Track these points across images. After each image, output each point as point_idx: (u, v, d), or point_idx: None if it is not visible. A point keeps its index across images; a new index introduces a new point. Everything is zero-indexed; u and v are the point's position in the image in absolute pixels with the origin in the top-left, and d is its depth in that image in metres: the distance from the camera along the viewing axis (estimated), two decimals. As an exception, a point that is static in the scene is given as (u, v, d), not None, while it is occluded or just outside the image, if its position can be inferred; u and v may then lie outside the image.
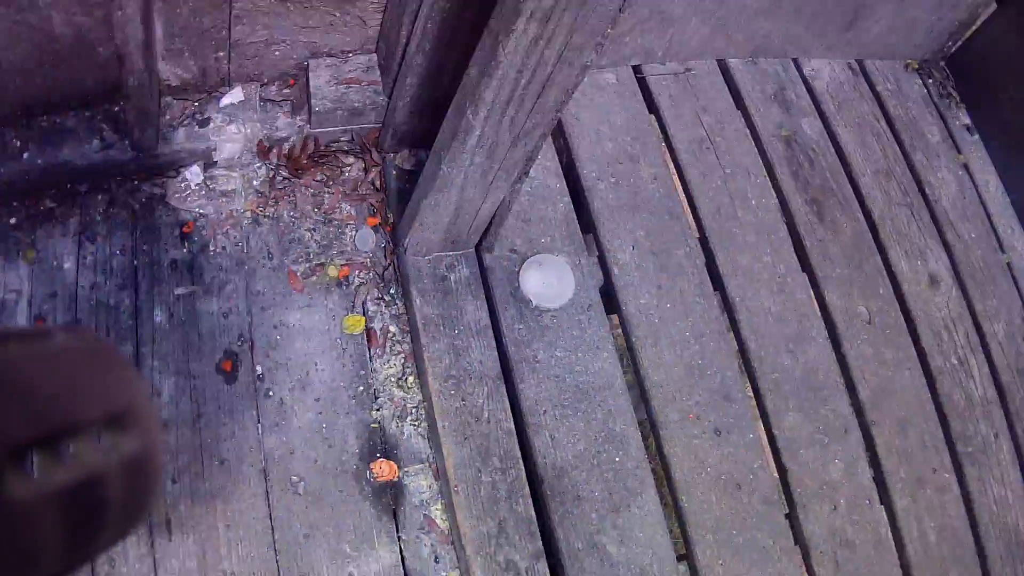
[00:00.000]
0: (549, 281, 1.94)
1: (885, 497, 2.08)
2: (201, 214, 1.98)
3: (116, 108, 1.96)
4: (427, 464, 1.86)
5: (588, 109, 2.14)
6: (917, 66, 2.61)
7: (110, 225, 1.94)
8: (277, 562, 1.71)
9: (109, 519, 0.41)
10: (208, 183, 2.00)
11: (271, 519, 1.73)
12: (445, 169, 1.59)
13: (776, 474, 2.02)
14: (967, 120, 2.61)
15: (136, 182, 1.99)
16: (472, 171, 1.61)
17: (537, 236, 1.98)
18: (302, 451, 1.81)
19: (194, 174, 1.99)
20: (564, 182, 2.03)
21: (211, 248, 1.97)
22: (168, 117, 1.99)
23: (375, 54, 2.00)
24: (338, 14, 1.90)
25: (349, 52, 2.00)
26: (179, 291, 1.90)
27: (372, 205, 2.00)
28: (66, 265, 1.88)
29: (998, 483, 2.25)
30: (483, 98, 1.41)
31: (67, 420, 0.39)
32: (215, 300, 1.91)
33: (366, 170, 2.01)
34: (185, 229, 1.96)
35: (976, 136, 2.60)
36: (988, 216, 2.49)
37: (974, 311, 2.35)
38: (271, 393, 1.86)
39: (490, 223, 1.85)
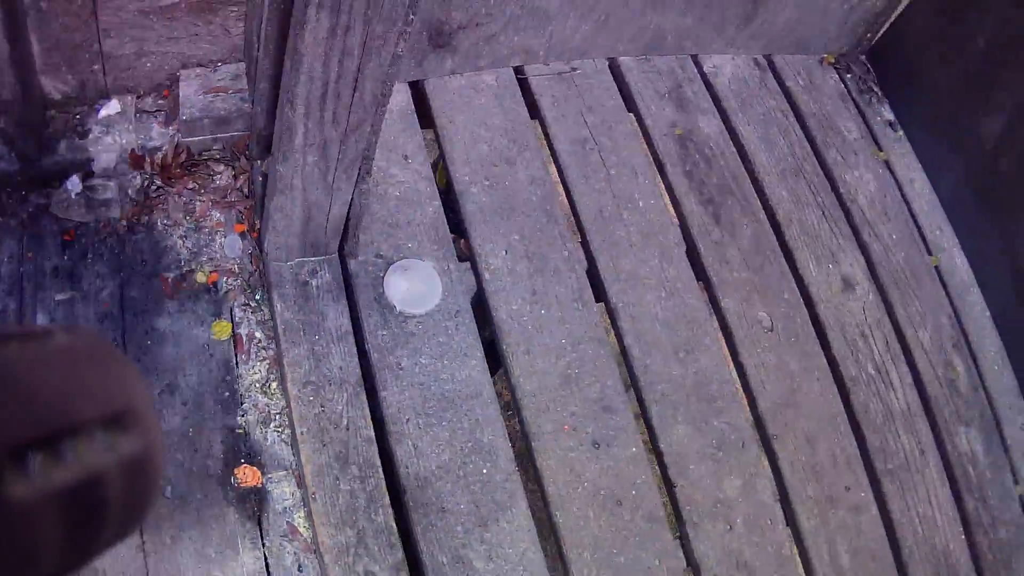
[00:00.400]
0: (414, 287, 2.12)
1: (790, 517, 2.22)
2: (81, 223, 2.20)
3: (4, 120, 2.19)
4: (290, 471, 2.04)
5: (464, 111, 2.33)
6: (834, 60, 2.76)
7: (1, 233, 2.18)
8: (146, 563, 1.92)
9: (109, 519, 0.44)
10: (88, 193, 2.22)
11: (140, 520, 1.93)
12: (281, 170, 1.79)
13: (662, 490, 2.14)
14: (890, 116, 2.76)
15: (24, 192, 2.23)
16: (308, 171, 1.80)
17: (404, 241, 2.16)
18: (169, 455, 2.03)
19: (74, 184, 2.22)
20: (434, 185, 2.22)
21: (89, 256, 2.19)
22: (51, 129, 2.23)
23: (243, 63, 2.20)
24: (201, 24, 2.12)
25: (218, 62, 2.21)
26: (59, 297, 2.13)
27: (240, 212, 2.20)
28: None
29: (923, 502, 2.35)
30: (297, 94, 1.61)
31: (67, 420, 0.41)
32: (92, 305, 2.14)
33: (235, 177, 2.21)
34: (67, 237, 2.20)
35: (900, 132, 2.74)
36: (913, 216, 2.63)
37: (895, 317, 2.48)
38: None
39: (347, 227, 2.02)
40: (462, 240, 2.29)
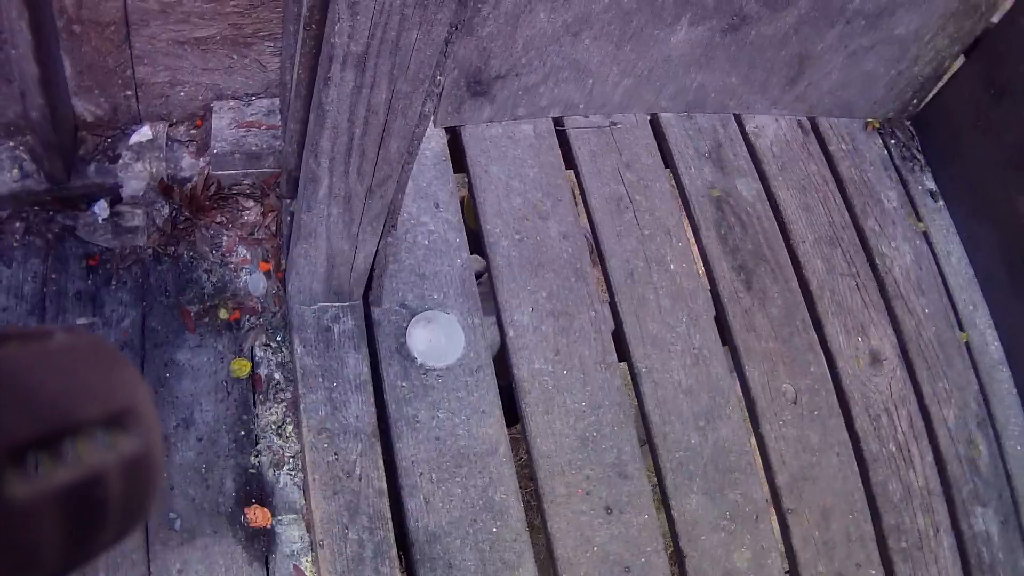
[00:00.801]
0: (437, 339, 2.09)
1: (799, 591, 2.18)
2: (107, 248, 2.20)
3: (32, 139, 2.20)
4: (300, 515, 2.03)
5: (500, 162, 2.30)
6: (879, 125, 2.71)
7: (26, 252, 2.20)
8: (152, 595, 1.91)
9: (109, 519, 0.44)
10: (114, 218, 2.21)
11: (147, 551, 1.96)
12: (305, 218, 1.78)
13: (672, 559, 2.12)
14: (932, 184, 2.71)
15: (51, 212, 2.23)
16: (333, 222, 1.79)
17: (430, 292, 2.14)
18: (181, 488, 2.02)
19: (101, 208, 2.21)
20: (464, 236, 2.19)
21: (113, 282, 2.19)
22: (82, 151, 2.22)
23: (278, 98, 2.18)
24: (236, 57, 2.11)
25: (252, 95, 2.20)
26: (81, 321, 2.12)
27: (267, 250, 2.18)
28: None
29: (934, 583, 2.31)
30: (321, 147, 1.60)
31: (67, 420, 0.41)
32: (112, 332, 2.14)
33: (264, 215, 2.20)
34: (91, 261, 2.19)
35: (941, 203, 2.69)
36: (947, 290, 2.58)
37: (921, 394, 2.44)
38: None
39: (371, 276, 2.00)
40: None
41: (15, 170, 2.19)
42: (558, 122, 2.43)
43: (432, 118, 2.29)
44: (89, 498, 0.42)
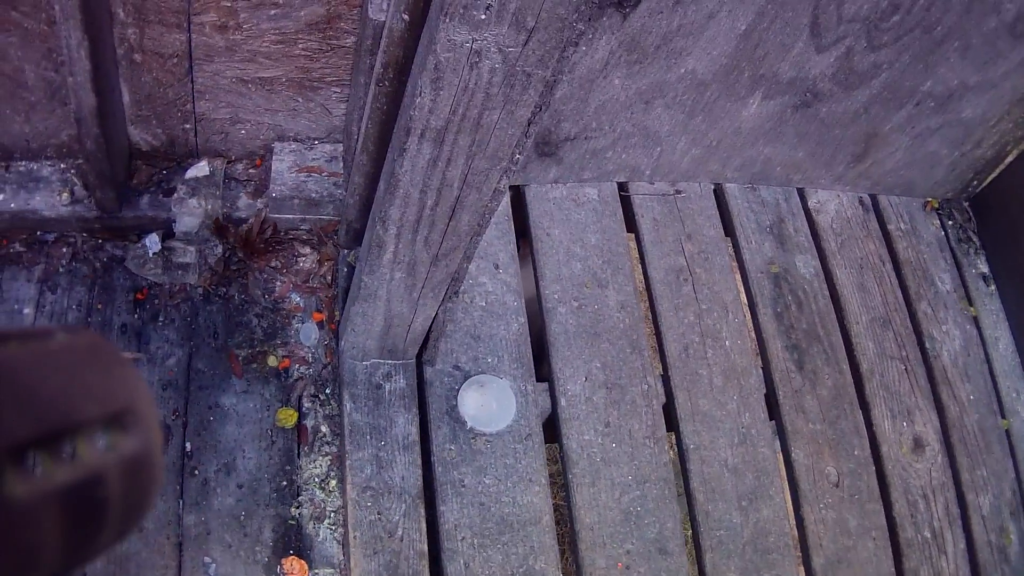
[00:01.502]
0: (488, 404, 2.07)
1: (827, 675, 2.17)
2: (155, 283, 2.17)
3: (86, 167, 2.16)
4: (338, 570, 2.02)
5: (563, 225, 2.27)
6: (937, 205, 2.69)
7: (71, 279, 2.17)
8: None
9: (109, 519, 0.44)
10: (166, 253, 2.18)
11: (182, 594, 1.92)
12: (367, 280, 1.76)
13: (706, 637, 2.11)
14: (985, 268, 2.69)
15: (100, 240, 2.19)
16: (394, 286, 1.77)
17: (484, 355, 2.11)
18: (218, 534, 2.00)
19: (153, 242, 2.17)
20: (521, 300, 2.16)
21: (160, 318, 2.16)
22: (136, 181, 2.19)
23: (341, 144, 2.15)
24: (301, 100, 2.07)
25: (315, 139, 2.16)
26: (124, 356, 2.08)
27: (321, 300, 2.15)
28: (26, 311, 2.14)
29: (958, 669, 2.32)
30: (390, 215, 1.58)
31: (67, 420, 0.41)
32: (157, 371, 2.11)
33: (320, 263, 2.16)
34: (139, 295, 2.16)
35: (993, 288, 2.67)
36: (993, 376, 2.57)
37: (959, 480, 2.43)
38: (196, 472, 2.04)
39: (428, 337, 1.98)
40: None
41: (65, 193, 2.15)
42: (622, 187, 2.40)
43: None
44: (89, 498, 0.42)
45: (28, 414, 0.39)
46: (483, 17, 1.22)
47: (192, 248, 2.17)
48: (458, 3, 1.20)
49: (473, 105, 1.39)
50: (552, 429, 2.18)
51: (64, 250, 2.20)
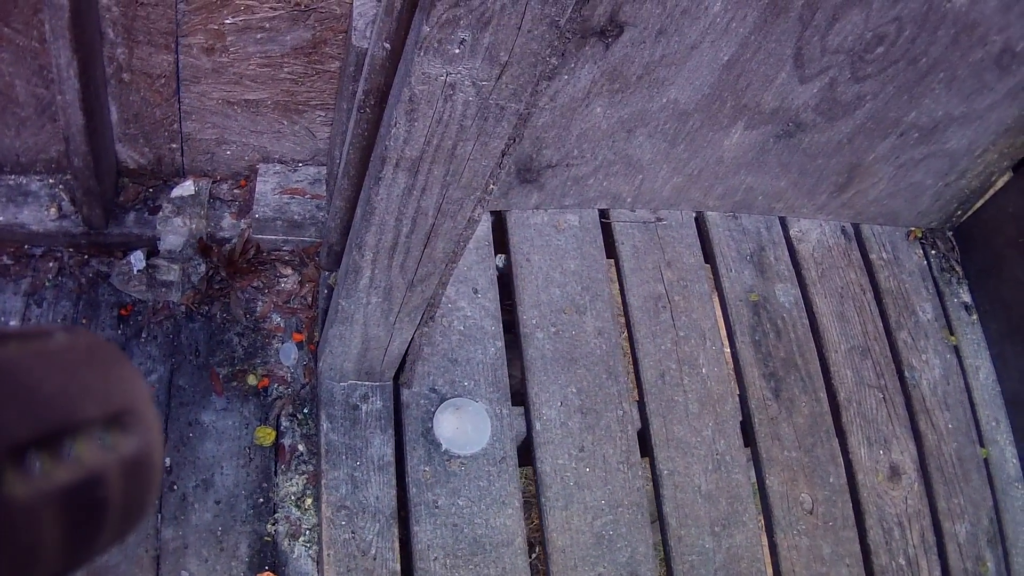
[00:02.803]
0: (463, 427, 2.10)
1: None
2: (140, 300, 2.20)
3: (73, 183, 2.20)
4: (311, 589, 2.04)
5: (542, 251, 2.29)
6: (921, 235, 2.70)
7: (57, 293, 2.21)
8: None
9: (109, 519, 0.44)
10: (150, 270, 2.21)
11: (157, 608, 1.95)
12: (344, 304, 1.78)
13: (675, 662, 2.13)
14: (967, 298, 2.70)
15: (86, 256, 2.23)
16: (371, 310, 1.80)
17: (461, 378, 2.13)
18: (195, 548, 2.03)
19: (137, 259, 2.20)
20: (500, 325, 2.19)
21: (144, 335, 2.19)
22: (123, 198, 2.22)
23: (325, 167, 2.18)
24: (286, 123, 2.10)
25: (299, 162, 2.19)
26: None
27: (301, 320, 2.18)
28: (11, 323, 2.18)
29: None
30: (366, 242, 1.60)
31: (67, 419, 0.41)
32: (138, 386, 2.12)
33: (301, 284, 2.19)
34: (123, 311, 2.19)
35: (975, 316, 2.68)
36: (972, 405, 2.58)
37: (936, 508, 2.44)
38: (175, 487, 2.07)
39: (404, 360, 2.01)
40: None
41: (53, 208, 2.19)
42: (604, 214, 2.42)
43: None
44: (89, 498, 0.42)
45: (28, 414, 0.39)
46: (457, 51, 1.24)
47: (176, 266, 2.20)
48: (432, 37, 1.22)
49: (447, 136, 1.41)
50: (527, 453, 2.21)
51: (51, 264, 2.23)
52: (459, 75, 1.29)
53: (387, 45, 1.58)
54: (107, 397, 0.44)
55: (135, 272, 2.19)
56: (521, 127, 1.46)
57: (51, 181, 2.24)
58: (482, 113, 1.37)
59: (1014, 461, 2.62)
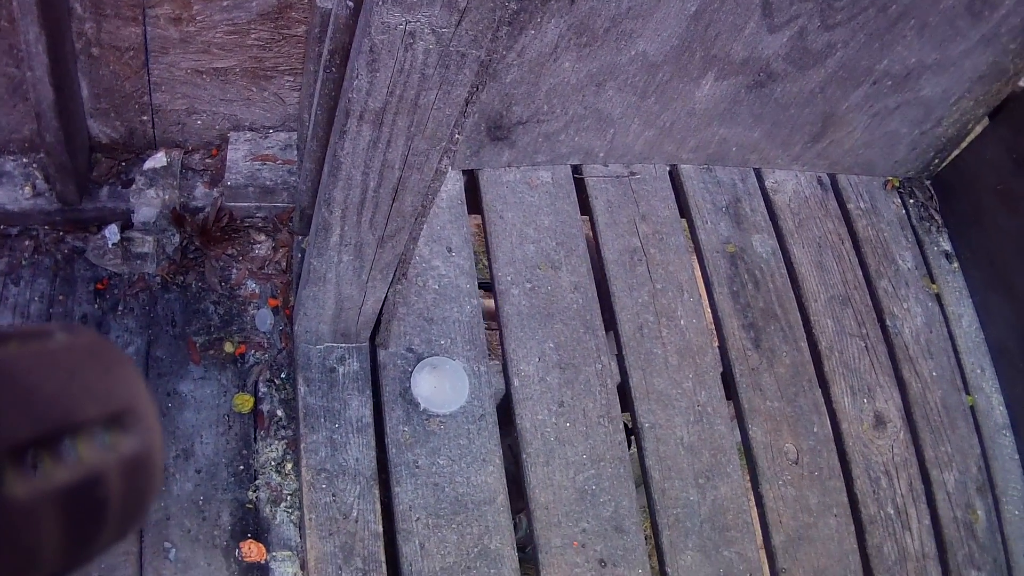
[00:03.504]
0: (441, 386, 2.09)
1: (790, 651, 2.19)
2: (115, 273, 2.20)
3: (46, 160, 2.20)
4: (295, 553, 2.05)
5: (516, 208, 2.29)
6: (898, 183, 2.69)
7: (34, 271, 2.21)
8: (143, 626, 1.93)
9: (109, 519, 0.44)
10: (125, 244, 2.21)
11: (141, 578, 1.95)
12: (315, 263, 1.78)
13: (664, 614, 2.13)
14: (948, 246, 2.69)
15: (61, 233, 2.23)
16: (343, 269, 1.80)
17: (437, 337, 2.13)
18: (177, 519, 2.04)
19: (112, 233, 2.20)
20: (474, 282, 2.18)
21: (120, 307, 2.19)
22: (96, 173, 2.23)
23: (295, 132, 2.18)
24: (255, 90, 2.10)
25: (270, 128, 2.19)
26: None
27: (276, 286, 2.18)
28: None
29: (924, 647, 2.33)
30: (334, 198, 1.60)
31: (67, 419, 0.41)
32: (116, 358, 2.13)
33: (275, 250, 2.19)
34: (99, 286, 2.19)
35: (956, 264, 2.68)
36: (956, 353, 2.57)
37: (923, 457, 2.44)
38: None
39: (379, 320, 2.01)
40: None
41: (28, 187, 2.19)
42: (576, 170, 2.41)
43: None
44: (89, 498, 0.42)
45: (28, 414, 0.39)
46: None
47: (150, 238, 2.20)
48: None
49: (410, 86, 1.41)
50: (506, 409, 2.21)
51: (27, 243, 2.23)
52: (418, 23, 1.28)
53: (350, 3, 1.58)
54: (107, 397, 0.45)
55: (110, 246, 2.19)
56: (483, 74, 1.46)
57: (25, 160, 2.24)
58: (443, 61, 1.37)
59: (1001, 408, 2.62)
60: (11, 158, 2.24)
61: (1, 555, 0.38)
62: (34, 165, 2.22)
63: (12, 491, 0.38)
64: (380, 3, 1.25)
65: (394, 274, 1.89)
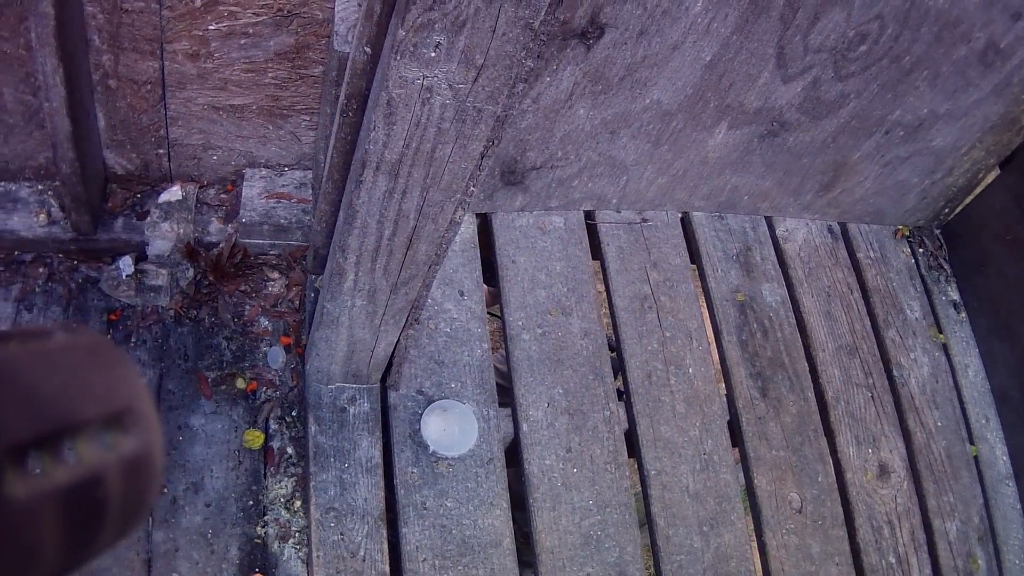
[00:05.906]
0: (451, 429, 2.14)
1: None
2: (128, 305, 2.24)
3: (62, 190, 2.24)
4: (302, 590, 2.08)
5: (528, 253, 2.33)
6: (908, 232, 2.74)
7: (47, 299, 2.25)
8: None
9: (109, 519, 0.44)
10: (139, 276, 2.25)
11: (148, 610, 2.00)
12: (329, 307, 1.83)
13: (664, 661, 2.17)
14: (956, 296, 2.74)
15: (75, 262, 2.27)
16: (356, 313, 1.84)
17: (448, 380, 2.17)
18: (186, 551, 2.08)
19: (126, 264, 2.25)
20: (485, 326, 2.23)
21: (133, 339, 2.23)
22: (111, 204, 2.27)
23: (310, 171, 2.22)
24: (271, 127, 2.14)
25: (285, 166, 2.23)
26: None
27: (288, 324, 2.22)
28: (1, 328, 2.17)
29: None
30: (349, 244, 1.64)
31: (67, 419, 0.41)
32: (126, 391, 2.17)
33: (288, 287, 2.24)
34: (112, 316, 2.24)
35: (963, 314, 2.72)
36: (961, 403, 2.62)
37: (925, 507, 2.48)
38: (165, 490, 2.12)
39: (391, 362, 2.05)
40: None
41: (43, 215, 2.23)
42: (589, 215, 2.46)
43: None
44: (89, 498, 0.43)
45: (28, 414, 0.39)
46: (433, 55, 1.28)
47: (164, 271, 2.24)
48: (408, 41, 1.25)
49: (426, 140, 1.45)
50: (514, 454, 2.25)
51: (41, 270, 2.28)
52: (435, 78, 1.32)
53: (368, 49, 1.62)
54: (107, 397, 0.45)
55: (124, 277, 2.23)
56: (499, 129, 1.50)
57: (40, 187, 2.28)
58: (460, 116, 1.41)
59: (1004, 458, 2.66)
60: (26, 184, 2.28)
61: (1, 555, 0.39)
62: (49, 192, 2.26)
63: (12, 491, 0.38)
64: (398, 58, 1.29)
65: (406, 319, 1.94)
